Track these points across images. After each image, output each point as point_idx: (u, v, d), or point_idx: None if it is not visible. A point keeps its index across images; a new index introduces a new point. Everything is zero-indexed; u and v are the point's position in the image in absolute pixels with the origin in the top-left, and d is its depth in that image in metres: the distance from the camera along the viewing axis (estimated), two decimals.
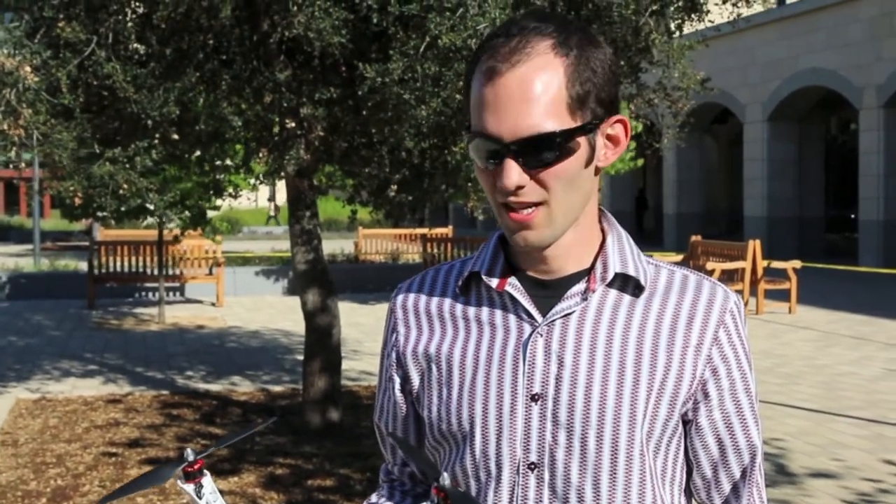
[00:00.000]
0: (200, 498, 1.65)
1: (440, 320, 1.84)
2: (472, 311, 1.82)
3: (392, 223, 29.90)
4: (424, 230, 27.13)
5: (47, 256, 26.66)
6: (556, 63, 1.65)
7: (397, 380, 1.88)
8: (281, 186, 39.68)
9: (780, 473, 7.52)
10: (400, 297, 1.92)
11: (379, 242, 26.52)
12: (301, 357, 9.88)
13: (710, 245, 19.42)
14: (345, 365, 9.53)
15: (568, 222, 1.72)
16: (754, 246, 17.52)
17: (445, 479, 1.58)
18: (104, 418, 9.48)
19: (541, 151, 1.64)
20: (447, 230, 27.82)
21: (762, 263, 17.45)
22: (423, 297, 1.88)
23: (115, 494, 1.70)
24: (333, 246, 25.50)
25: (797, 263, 17.68)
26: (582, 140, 1.67)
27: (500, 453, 1.73)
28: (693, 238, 19.97)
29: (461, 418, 1.76)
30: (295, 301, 17.42)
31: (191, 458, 1.65)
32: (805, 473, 7.59)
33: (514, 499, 1.73)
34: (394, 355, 1.89)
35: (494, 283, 1.78)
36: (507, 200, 1.67)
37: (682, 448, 1.78)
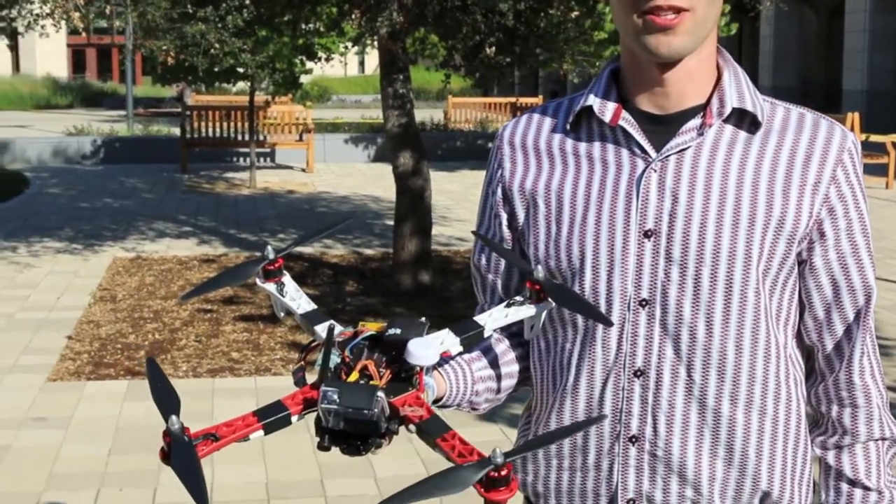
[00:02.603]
0: (284, 296, 1.59)
1: (549, 156, 1.80)
2: (582, 146, 1.78)
3: (482, 92, 29.68)
4: (513, 99, 26.87)
5: (140, 122, 26.93)
6: None
7: (504, 216, 1.84)
8: (372, 55, 39.45)
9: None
10: (506, 134, 1.87)
11: (468, 111, 26.35)
12: (391, 222, 9.92)
13: None
14: (434, 231, 9.54)
15: (703, 36, 1.68)
16: (853, 119, 17.08)
17: (539, 271, 1.57)
18: (199, 277, 9.66)
19: None
20: (537, 100, 27.52)
21: (860, 137, 17.03)
22: (531, 133, 1.84)
23: (197, 290, 1.68)
24: (423, 115, 25.37)
25: None
26: None
27: (610, 289, 1.70)
28: None
29: (571, 254, 1.73)
30: (384, 168, 17.47)
31: (271, 255, 1.59)
32: None
33: (625, 335, 1.71)
34: (500, 191, 1.84)
35: (607, 117, 1.74)
36: (655, 3, 1.62)
37: (797, 289, 1.75)
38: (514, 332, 1.88)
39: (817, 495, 1.84)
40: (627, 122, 1.73)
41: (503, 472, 1.25)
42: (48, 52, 53.36)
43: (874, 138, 17.46)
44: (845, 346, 1.76)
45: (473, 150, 21.02)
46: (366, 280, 9.59)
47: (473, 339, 1.54)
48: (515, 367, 1.87)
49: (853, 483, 1.79)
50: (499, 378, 1.83)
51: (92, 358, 7.07)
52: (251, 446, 5.34)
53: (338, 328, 1.50)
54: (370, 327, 1.48)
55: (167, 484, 4.99)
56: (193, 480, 1.24)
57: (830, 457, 1.81)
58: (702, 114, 1.71)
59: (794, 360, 1.77)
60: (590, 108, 1.76)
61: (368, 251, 11.05)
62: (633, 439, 1.72)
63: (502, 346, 1.86)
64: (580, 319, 1.75)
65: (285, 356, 7.14)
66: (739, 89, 1.72)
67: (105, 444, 5.51)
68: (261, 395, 6.30)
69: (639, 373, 1.71)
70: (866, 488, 1.79)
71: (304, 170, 19.29)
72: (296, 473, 5.13)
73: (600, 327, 1.72)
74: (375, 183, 17.10)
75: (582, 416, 1.76)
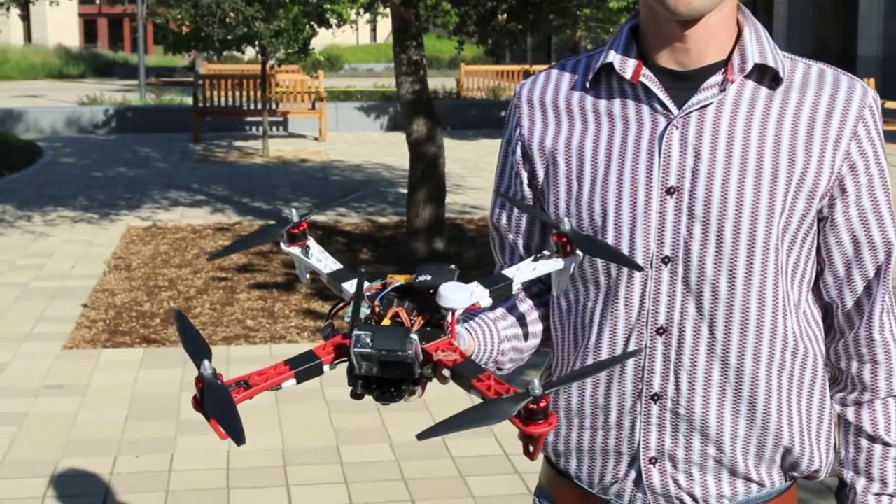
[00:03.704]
0: (310, 258, 1.57)
1: (568, 114, 1.79)
2: (602, 104, 1.76)
3: (494, 59, 29.56)
4: (526, 66, 26.75)
5: (152, 91, 26.91)
6: None
7: (524, 175, 1.83)
8: (383, 24, 39.32)
9: None
10: (524, 92, 1.85)
11: (481, 79, 26.26)
12: (404, 190, 9.91)
13: None
14: (448, 199, 9.52)
15: None
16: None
17: (566, 224, 1.55)
18: (213, 245, 9.67)
19: None
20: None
21: None
22: (550, 91, 1.82)
23: (223, 252, 1.67)
24: (435, 83, 25.32)
25: None
26: None
27: (633, 247, 1.69)
28: None
29: (592, 212, 1.72)
30: (397, 136, 17.43)
31: (295, 219, 1.56)
32: None
33: (647, 293, 1.70)
34: (519, 150, 1.83)
35: (628, 74, 1.72)
36: None
37: (814, 246, 1.74)
38: (535, 293, 1.88)
39: (838, 453, 1.83)
40: (649, 78, 1.71)
41: (542, 405, 1.24)
42: (60, 22, 53.32)
43: (889, 105, 17.35)
44: (865, 302, 1.75)
45: (486, 117, 20.95)
46: (380, 248, 9.60)
47: (502, 292, 1.53)
48: (539, 327, 1.86)
49: (873, 439, 1.79)
50: (524, 337, 1.82)
51: (107, 326, 7.09)
52: (267, 413, 5.36)
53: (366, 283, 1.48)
54: (398, 278, 1.46)
55: (184, 450, 5.01)
56: (230, 421, 1.23)
57: (850, 413, 1.81)
58: (723, 70, 1.70)
59: (811, 317, 1.77)
60: (609, 64, 1.75)
61: (382, 219, 11.04)
62: (655, 397, 1.72)
63: (526, 306, 1.85)
64: (602, 278, 1.74)
65: (300, 324, 7.15)
66: (760, 45, 1.71)
67: (121, 411, 5.53)
68: (276, 362, 6.30)
69: (661, 330, 1.70)
70: (886, 444, 1.79)
71: (316, 138, 19.26)
72: (311, 440, 5.15)
73: (623, 285, 1.71)
74: (388, 151, 17.07)
75: (604, 373, 1.75)
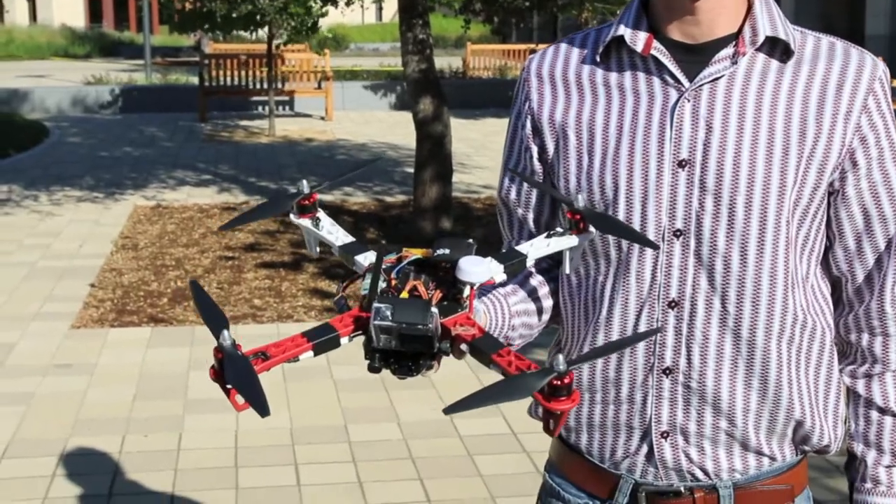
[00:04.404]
0: (321, 230, 1.55)
1: (578, 87, 1.77)
2: (613, 77, 1.75)
3: (500, 39, 29.47)
4: (532, 45, 26.66)
5: (158, 71, 26.85)
6: None
7: (534, 149, 1.81)
8: (389, 2, 39.03)
9: None
10: (533, 66, 1.84)
11: (487, 58, 26.17)
12: (411, 170, 9.90)
13: None
14: (454, 178, 9.50)
15: None
16: None
17: (580, 200, 1.54)
18: (220, 225, 9.66)
19: None
20: None
21: None
22: (560, 65, 1.81)
23: (233, 223, 1.65)
24: (441, 62, 25.23)
25: None
26: None
27: (644, 220, 1.68)
28: None
29: (604, 186, 1.71)
30: (403, 116, 17.40)
31: (305, 190, 1.54)
32: None
33: (659, 266, 1.69)
34: (529, 124, 1.81)
35: (639, 46, 1.71)
36: None
37: (824, 220, 1.74)
38: (544, 269, 1.87)
39: (848, 427, 1.83)
40: (659, 51, 1.70)
41: (566, 381, 1.23)
42: (65, 2, 53.26)
43: None
44: (876, 275, 1.75)
45: (493, 97, 20.88)
46: (386, 227, 9.59)
47: (517, 268, 1.51)
48: (550, 303, 1.85)
49: (883, 411, 1.79)
50: (534, 313, 1.81)
51: (115, 305, 7.10)
52: (275, 392, 5.36)
53: None
54: (414, 252, 1.45)
55: (192, 429, 5.02)
56: (252, 391, 1.21)
57: (860, 386, 1.80)
58: (734, 43, 1.69)
59: (818, 291, 1.76)
60: (620, 38, 1.73)
61: (389, 198, 11.03)
62: (667, 371, 1.71)
63: (536, 281, 1.84)
64: (613, 252, 1.73)
65: (307, 303, 7.15)
66: (771, 18, 1.70)
67: (129, 391, 5.54)
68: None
69: (673, 304, 1.69)
70: None
71: (322, 118, 19.23)
72: (319, 419, 5.15)
73: (634, 259, 1.70)
74: (394, 130, 17.04)
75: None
